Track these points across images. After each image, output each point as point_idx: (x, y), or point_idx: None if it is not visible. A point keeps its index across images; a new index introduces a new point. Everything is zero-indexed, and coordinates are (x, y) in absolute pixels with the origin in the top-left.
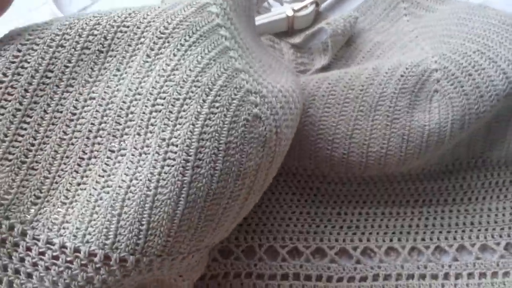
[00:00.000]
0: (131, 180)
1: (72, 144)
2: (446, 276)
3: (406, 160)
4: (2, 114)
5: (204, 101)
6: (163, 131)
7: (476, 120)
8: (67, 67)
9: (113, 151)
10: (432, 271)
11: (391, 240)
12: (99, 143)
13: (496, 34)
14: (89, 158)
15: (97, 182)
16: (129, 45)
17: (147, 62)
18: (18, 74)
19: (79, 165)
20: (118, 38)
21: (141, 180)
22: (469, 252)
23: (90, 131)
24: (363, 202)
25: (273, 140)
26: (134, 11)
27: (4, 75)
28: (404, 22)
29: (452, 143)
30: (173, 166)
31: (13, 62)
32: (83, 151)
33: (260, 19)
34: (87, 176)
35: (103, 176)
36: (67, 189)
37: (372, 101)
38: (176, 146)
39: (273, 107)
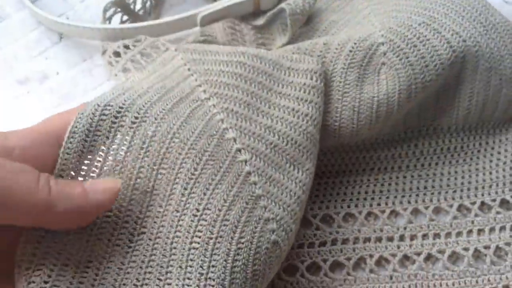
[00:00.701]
0: None
1: (128, 273)
2: (402, 238)
3: (358, 131)
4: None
5: (232, 238)
6: (201, 266)
7: (423, 89)
8: (120, 210)
9: (160, 280)
10: (387, 233)
11: (348, 207)
12: (150, 272)
13: (442, 6)
14: (141, 286)
15: None
16: (168, 185)
17: (182, 200)
18: None
19: None
20: (159, 179)
21: None
22: (423, 214)
23: (142, 261)
24: (322, 173)
25: (284, 252)
26: (165, 153)
27: None
28: (359, 1)
29: (401, 112)
30: None
31: None
32: (137, 279)
33: (225, 2)
34: None
35: None
36: None
37: (325, 78)
38: (213, 280)
39: (288, 226)
